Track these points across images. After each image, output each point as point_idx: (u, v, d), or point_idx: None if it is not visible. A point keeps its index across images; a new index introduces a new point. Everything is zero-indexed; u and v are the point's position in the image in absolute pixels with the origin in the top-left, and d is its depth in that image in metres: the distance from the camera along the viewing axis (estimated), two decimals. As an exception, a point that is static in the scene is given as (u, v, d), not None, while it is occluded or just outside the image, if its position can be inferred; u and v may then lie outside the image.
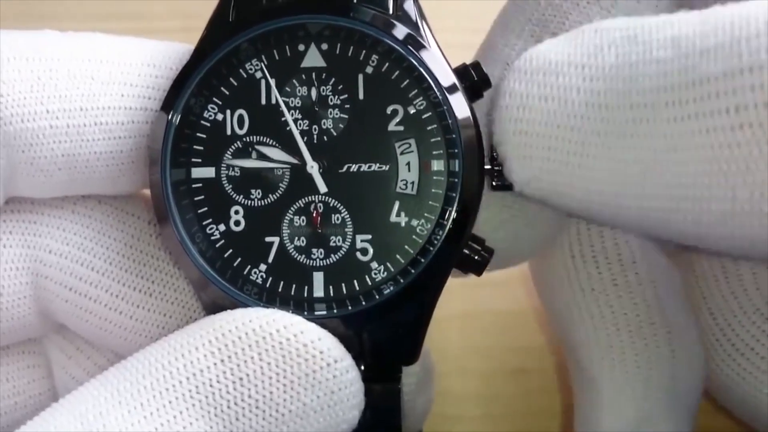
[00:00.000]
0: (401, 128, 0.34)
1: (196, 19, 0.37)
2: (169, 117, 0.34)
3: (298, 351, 0.30)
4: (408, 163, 0.34)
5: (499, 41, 0.38)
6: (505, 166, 0.34)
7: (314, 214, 0.35)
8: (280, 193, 0.35)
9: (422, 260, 0.34)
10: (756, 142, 0.27)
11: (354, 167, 0.35)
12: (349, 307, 0.34)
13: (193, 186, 0.35)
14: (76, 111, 0.34)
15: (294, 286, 0.34)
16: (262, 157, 0.35)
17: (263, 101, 0.35)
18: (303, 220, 0.35)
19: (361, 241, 0.34)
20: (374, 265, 0.34)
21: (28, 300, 0.37)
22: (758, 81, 0.27)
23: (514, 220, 0.37)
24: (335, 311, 0.34)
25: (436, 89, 0.34)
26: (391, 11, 0.35)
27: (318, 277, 0.34)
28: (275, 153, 0.35)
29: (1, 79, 0.34)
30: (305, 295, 0.34)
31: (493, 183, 0.35)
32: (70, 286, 0.37)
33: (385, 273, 0.34)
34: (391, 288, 0.34)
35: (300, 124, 0.35)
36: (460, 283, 0.38)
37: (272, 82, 0.35)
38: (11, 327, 0.38)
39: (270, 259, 0.35)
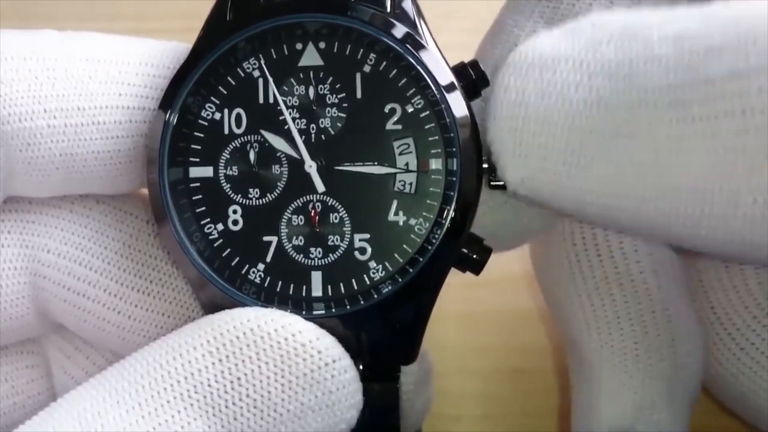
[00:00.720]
0: (399, 127, 0.34)
1: (196, 20, 0.37)
2: (167, 116, 0.34)
3: (296, 350, 0.30)
4: (406, 164, 0.34)
5: (509, 22, 0.38)
6: (499, 164, 0.34)
7: (312, 214, 0.35)
8: (278, 192, 0.35)
9: (421, 259, 0.34)
10: (761, 148, 0.27)
11: (352, 166, 0.35)
12: (348, 307, 0.34)
13: (191, 185, 0.35)
14: (73, 110, 0.34)
15: (292, 285, 0.34)
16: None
17: (261, 100, 0.35)
18: (301, 220, 0.35)
19: (360, 240, 0.34)
20: (372, 264, 0.34)
21: (26, 300, 0.37)
22: (766, 84, 0.27)
23: (502, 208, 0.36)
24: (333, 311, 0.33)
25: (434, 88, 0.34)
26: (389, 10, 0.34)
27: (316, 277, 0.34)
28: (279, 143, 0.35)
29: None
30: (303, 294, 0.34)
31: (491, 182, 0.35)
32: (68, 285, 0.37)
33: (384, 272, 0.34)
34: (390, 287, 0.34)
35: (298, 123, 0.35)
36: (460, 283, 0.37)
37: (270, 81, 0.35)
38: (10, 327, 0.38)
39: (268, 259, 0.34)
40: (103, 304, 0.37)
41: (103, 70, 0.35)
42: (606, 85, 0.31)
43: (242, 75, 0.35)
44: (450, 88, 0.34)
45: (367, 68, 0.35)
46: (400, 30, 0.34)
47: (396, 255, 0.34)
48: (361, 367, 0.33)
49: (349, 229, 0.34)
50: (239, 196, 0.35)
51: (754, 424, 0.39)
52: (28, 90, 0.34)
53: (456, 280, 0.35)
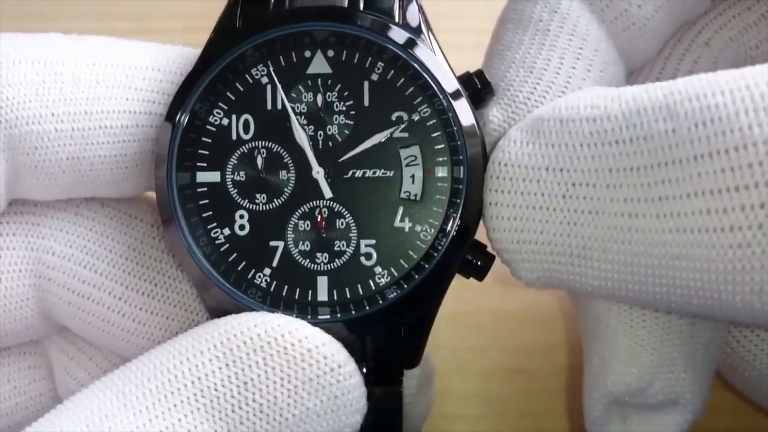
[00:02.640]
0: (406, 135, 0.35)
1: (197, 20, 0.37)
2: (175, 121, 0.34)
3: (302, 356, 0.31)
4: (412, 176, 0.35)
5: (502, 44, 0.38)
6: (512, 269, 0.34)
7: (319, 219, 0.35)
8: (285, 197, 0.35)
9: (426, 265, 0.34)
10: (759, 256, 0.27)
11: (359, 173, 0.35)
12: (353, 312, 0.34)
13: (198, 190, 0.35)
14: (80, 114, 0.35)
15: (298, 290, 0.35)
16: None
17: (269, 106, 0.35)
18: (308, 225, 0.35)
19: (366, 246, 0.35)
20: (378, 269, 0.34)
21: (30, 302, 0.38)
22: (748, 201, 0.27)
23: None
24: (339, 315, 0.34)
25: (440, 96, 0.34)
26: (396, 19, 0.35)
27: (322, 282, 0.35)
28: (300, 136, 0.35)
29: (6, 82, 0.34)
30: (309, 299, 0.34)
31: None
32: (72, 288, 0.37)
33: (389, 278, 0.34)
34: (395, 293, 0.34)
35: (306, 130, 0.35)
36: (460, 283, 0.38)
37: (278, 87, 0.35)
38: (14, 328, 0.38)
39: (274, 263, 0.35)
40: (107, 306, 0.37)
41: (110, 75, 0.35)
42: (593, 194, 0.31)
43: (250, 81, 0.35)
44: (456, 96, 0.34)
45: (374, 76, 0.35)
46: (407, 39, 0.34)
47: (401, 261, 0.34)
48: (364, 370, 0.33)
49: (356, 234, 0.35)
50: (246, 201, 0.35)
51: None
52: (36, 94, 0.34)
53: (456, 279, 0.35)
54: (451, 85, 0.34)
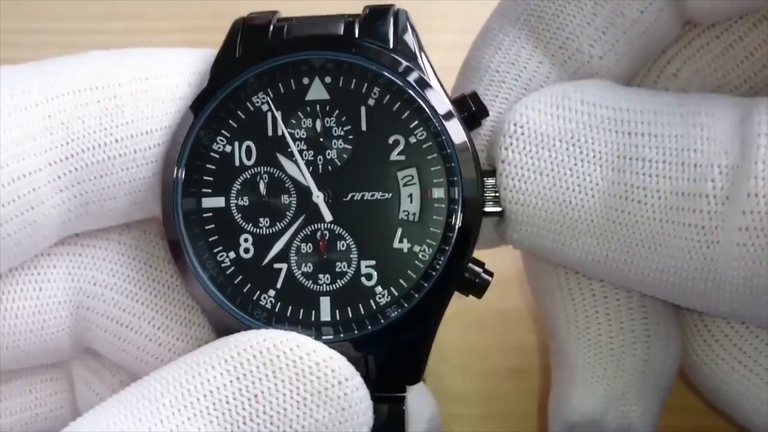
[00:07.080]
0: (403, 158, 0.35)
1: (196, 20, 0.37)
2: (180, 148, 0.35)
3: (310, 369, 0.32)
4: (410, 195, 0.35)
5: (495, 26, 0.39)
6: (505, 228, 0.36)
7: (320, 242, 0.36)
8: (287, 221, 0.36)
9: (425, 284, 0.35)
10: (732, 255, 0.29)
11: (357, 196, 0.36)
12: (355, 331, 0.35)
13: (204, 215, 0.36)
14: (141, 136, 0.35)
15: (302, 310, 0.36)
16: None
17: (270, 133, 0.36)
18: (310, 247, 0.36)
19: (366, 266, 0.36)
20: (379, 289, 0.35)
21: (65, 332, 0.38)
22: (748, 207, 0.29)
23: None
24: (342, 335, 0.35)
25: (434, 120, 0.35)
26: (391, 45, 0.35)
27: (325, 302, 0.36)
28: (293, 169, 0.36)
29: (72, 115, 0.34)
30: (313, 319, 0.35)
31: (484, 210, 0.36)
32: (112, 317, 0.37)
33: (389, 297, 0.35)
34: (396, 312, 0.35)
35: (305, 155, 0.36)
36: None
37: (278, 114, 0.36)
38: (44, 355, 0.38)
39: (278, 285, 0.36)
40: (145, 335, 0.37)
41: (163, 88, 0.35)
42: (598, 174, 0.32)
43: (251, 109, 0.36)
44: (449, 118, 0.35)
45: (371, 101, 0.36)
46: (401, 65, 0.35)
47: (401, 281, 0.35)
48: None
49: (356, 256, 0.36)
50: (250, 225, 0.36)
51: (732, 417, 0.40)
52: (100, 123, 0.34)
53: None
54: (444, 108, 0.35)
